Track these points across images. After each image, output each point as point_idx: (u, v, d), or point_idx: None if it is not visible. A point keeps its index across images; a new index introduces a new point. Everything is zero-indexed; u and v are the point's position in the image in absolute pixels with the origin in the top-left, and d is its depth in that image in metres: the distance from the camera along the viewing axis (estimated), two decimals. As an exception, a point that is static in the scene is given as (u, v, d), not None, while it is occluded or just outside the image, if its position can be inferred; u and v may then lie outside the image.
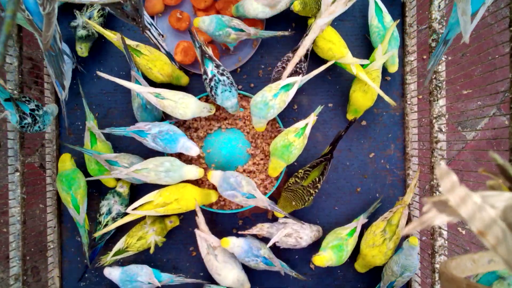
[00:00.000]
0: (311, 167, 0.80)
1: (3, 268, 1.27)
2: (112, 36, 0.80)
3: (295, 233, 0.81)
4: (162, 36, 0.74)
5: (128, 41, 0.81)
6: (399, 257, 0.80)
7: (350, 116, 0.89)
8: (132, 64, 0.80)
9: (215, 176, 0.80)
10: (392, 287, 0.83)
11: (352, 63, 0.82)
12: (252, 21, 0.88)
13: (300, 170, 0.81)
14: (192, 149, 0.80)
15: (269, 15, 0.83)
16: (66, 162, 0.85)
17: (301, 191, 0.80)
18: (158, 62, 0.82)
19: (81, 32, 0.84)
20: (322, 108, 0.85)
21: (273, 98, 0.77)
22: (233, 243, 0.79)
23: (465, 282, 0.31)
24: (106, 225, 0.84)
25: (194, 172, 0.80)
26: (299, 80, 0.80)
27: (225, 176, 0.79)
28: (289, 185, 0.81)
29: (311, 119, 0.81)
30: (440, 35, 0.76)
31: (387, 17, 0.84)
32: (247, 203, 0.78)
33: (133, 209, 0.79)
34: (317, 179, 0.80)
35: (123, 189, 0.87)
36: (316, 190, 0.81)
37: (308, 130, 0.80)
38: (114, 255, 0.84)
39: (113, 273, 0.82)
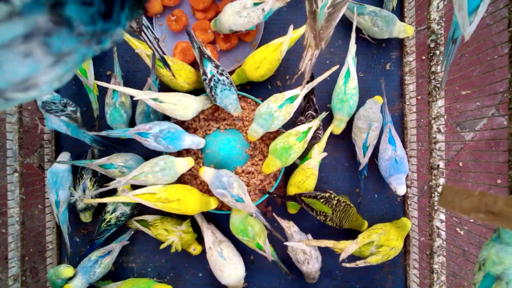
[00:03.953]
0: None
1: (2, 269, 1.27)
2: (137, 45, 0.81)
3: (308, 256, 0.82)
4: (158, 40, 0.74)
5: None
6: (359, 112, 0.84)
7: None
8: (153, 71, 0.81)
9: (206, 173, 0.80)
10: (367, 147, 0.84)
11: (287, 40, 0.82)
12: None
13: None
14: (202, 142, 0.82)
15: (244, 26, 0.82)
16: None
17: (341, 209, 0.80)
18: (183, 71, 0.83)
19: (80, 205, 0.87)
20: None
21: (278, 109, 0.77)
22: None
23: (478, 191, 0.33)
24: (109, 222, 0.85)
25: (183, 163, 0.80)
26: (304, 92, 0.80)
27: (218, 173, 0.78)
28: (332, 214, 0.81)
29: (315, 123, 0.81)
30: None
31: (352, 83, 0.82)
32: (235, 205, 0.77)
33: (133, 195, 0.78)
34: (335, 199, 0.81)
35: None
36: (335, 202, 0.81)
37: (310, 135, 0.81)
38: (140, 223, 0.87)
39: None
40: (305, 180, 0.83)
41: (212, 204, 0.82)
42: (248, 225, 0.80)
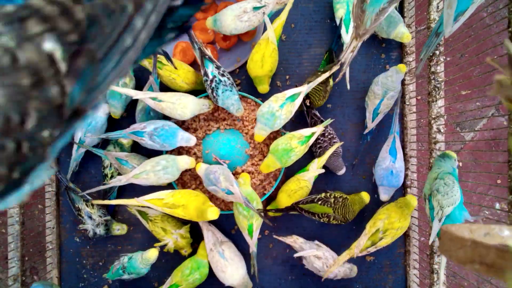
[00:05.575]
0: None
1: (1, 269, 1.27)
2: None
3: (324, 259, 0.82)
4: None
5: None
6: (378, 78, 0.82)
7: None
8: (154, 70, 0.81)
9: (200, 170, 0.80)
10: (378, 113, 0.84)
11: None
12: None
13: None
14: (192, 139, 0.81)
15: (245, 29, 0.82)
16: None
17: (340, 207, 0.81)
18: (181, 71, 0.83)
19: (91, 233, 0.87)
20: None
21: (280, 108, 0.77)
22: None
23: (470, 239, 0.31)
24: (112, 177, 0.87)
25: (186, 160, 0.81)
26: (305, 90, 0.80)
27: (207, 171, 0.78)
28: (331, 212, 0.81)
29: (319, 129, 0.81)
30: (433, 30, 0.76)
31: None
32: (228, 198, 0.77)
33: (143, 200, 0.78)
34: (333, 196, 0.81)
35: (127, 140, 0.88)
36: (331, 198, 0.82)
37: (312, 140, 0.81)
38: (141, 214, 0.86)
39: None
40: (297, 190, 0.83)
41: (209, 215, 0.74)
42: (254, 200, 0.79)
